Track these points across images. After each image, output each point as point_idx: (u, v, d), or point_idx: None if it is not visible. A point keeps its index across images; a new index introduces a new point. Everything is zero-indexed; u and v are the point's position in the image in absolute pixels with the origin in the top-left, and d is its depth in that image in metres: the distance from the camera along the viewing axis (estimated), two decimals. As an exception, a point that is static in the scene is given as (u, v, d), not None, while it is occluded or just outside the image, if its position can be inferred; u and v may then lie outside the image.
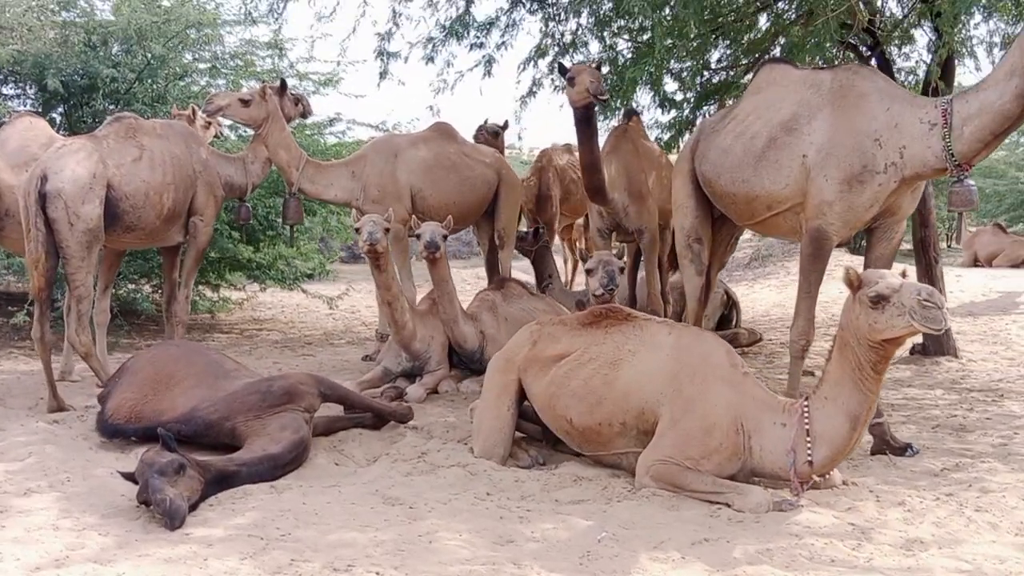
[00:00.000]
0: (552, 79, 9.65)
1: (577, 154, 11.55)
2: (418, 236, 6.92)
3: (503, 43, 8.88)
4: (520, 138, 10.59)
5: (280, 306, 14.56)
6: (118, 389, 5.81)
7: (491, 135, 10.66)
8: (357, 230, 6.69)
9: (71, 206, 6.52)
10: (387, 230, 6.70)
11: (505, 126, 10.68)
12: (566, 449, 5.47)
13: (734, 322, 9.53)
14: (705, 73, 10.11)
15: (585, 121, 6.67)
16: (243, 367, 6.13)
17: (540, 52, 8.80)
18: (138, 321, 11.22)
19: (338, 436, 5.85)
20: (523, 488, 4.85)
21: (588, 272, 5.97)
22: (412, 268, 9.08)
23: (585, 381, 5.00)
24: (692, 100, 10.15)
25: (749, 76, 9.82)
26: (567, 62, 7.24)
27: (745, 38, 9.68)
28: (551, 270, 10.23)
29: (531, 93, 10.23)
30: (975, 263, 19.15)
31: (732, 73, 10.26)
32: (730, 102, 10.38)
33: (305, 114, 9.01)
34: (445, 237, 6.97)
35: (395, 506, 4.54)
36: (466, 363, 7.67)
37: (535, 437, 5.64)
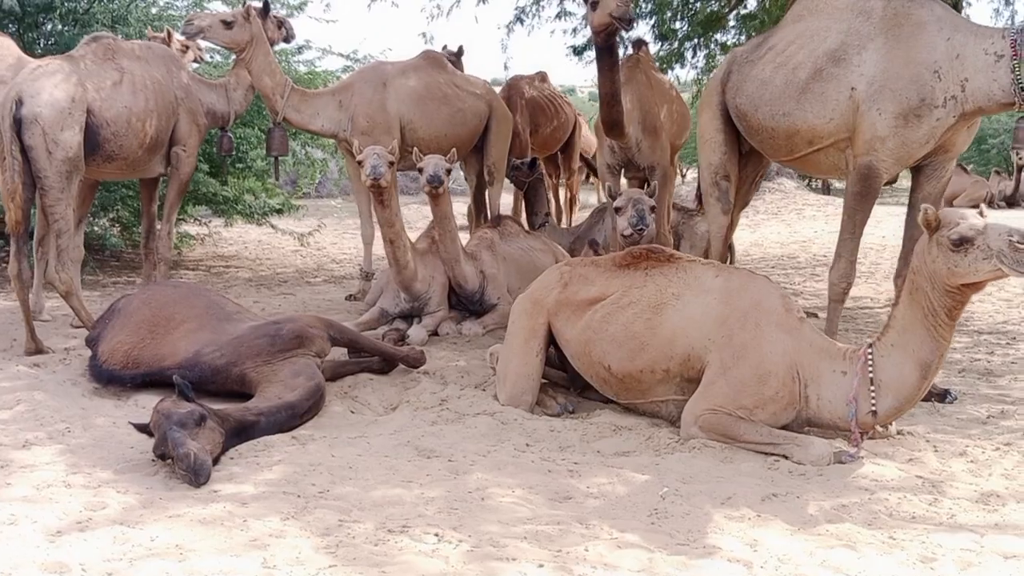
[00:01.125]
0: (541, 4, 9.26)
1: (542, 85, 11.29)
2: (420, 170, 6.54)
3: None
4: (506, 68, 10.20)
5: (242, 242, 14.02)
6: (110, 332, 5.40)
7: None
8: (360, 163, 6.28)
9: (49, 132, 6.01)
10: (392, 163, 6.30)
11: (460, 52, 10.05)
12: (594, 396, 5.22)
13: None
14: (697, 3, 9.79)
15: (607, 48, 6.29)
16: (245, 309, 5.76)
17: None
18: (102, 257, 10.67)
19: (347, 382, 5.52)
20: (560, 438, 4.59)
21: (617, 211, 5.65)
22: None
23: (625, 326, 4.72)
24: (682, 31, 9.83)
25: (753, 4, 9.52)
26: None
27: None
28: (544, 205, 9.91)
29: (518, 20, 9.84)
30: None
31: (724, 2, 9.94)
32: (721, 36, 10.08)
33: (288, 38, 8.50)
34: (449, 172, 6.59)
35: (431, 458, 4.25)
36: (465, 304, 7.35)
37: (559, 383, 5.38)
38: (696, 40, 10.11)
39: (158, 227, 7.43)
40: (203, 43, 8.09)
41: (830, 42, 5.60)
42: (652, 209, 5.53)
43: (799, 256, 12.24)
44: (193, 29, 7.39)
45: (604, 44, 6.24)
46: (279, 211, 12.18)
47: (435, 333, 7.00)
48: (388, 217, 6.47)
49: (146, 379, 5.17)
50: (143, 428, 4.27)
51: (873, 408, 4.14)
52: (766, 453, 4.25)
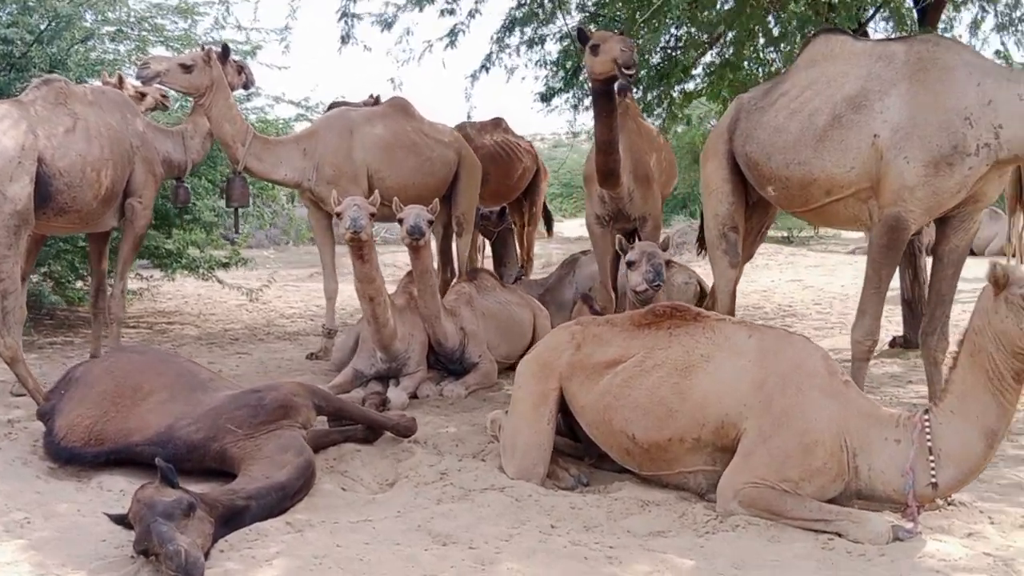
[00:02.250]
0: (510, 52, 8.94)
1: (496, 133, 10.95)
2: (400, 221, 6.13)
3: (475, 10, 8.10)
4: (469, 116, 9.78)
5: (180, 296, 13.36)
6: (68, 405, 4.84)
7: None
8: (338, 214, 5.84)
9: (-4, 184, 5.47)
10: (372, 215, 5.87)
11: (376, 101, 9.63)
12: (607, 465, 4.82)
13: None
14: (657, 53, 9.55)
15: (605, 95, 5.98)
16: (219, 376, 5.24)
17: (517, 20, 8.06)
18: (36, 315, 9.95)
19: (331, 454, 5.03)
20: (584, 516, 4.17)
21: (630, 265, 5.29)
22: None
23: (650, 391, 4.33)
24: (645, 80, 9.56)
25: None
26: (589, 26, 6.48)
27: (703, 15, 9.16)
28: (514, 256, 9.54)
29: (483, 68, 9.51)
30: None
31: (687, 53, 9.72)
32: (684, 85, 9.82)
33: (248, 84, 8.05)
34: (431, 223, 6.20)
35: (448, 545, 3.79)
36: (443, 362, 6.92)
37: (566, 452, 4.96)
38: (658, 90, 9.89)
39: (109, 285, 6.86)
40: (165, 88, 7.55)
41: (849, 87, 5.36)
42: (668, 263, 5.19)
43: (764, 307, 12.04)
44: (149, 73, 6.91)
45: (602, 91, 5.94)
46: (225, 265, 11.61)
47: (414, 395, 6.54)
48: (368, 273, 6.02)
49: (111, 457, 4.63)
50: (120, 519, 3.74)
51: (933, 480, 3.81)
52: (816, 531, 3.88)
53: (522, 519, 4.12)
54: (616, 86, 7.49)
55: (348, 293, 14.05)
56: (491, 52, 9.37)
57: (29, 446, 5.11)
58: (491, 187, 11.14)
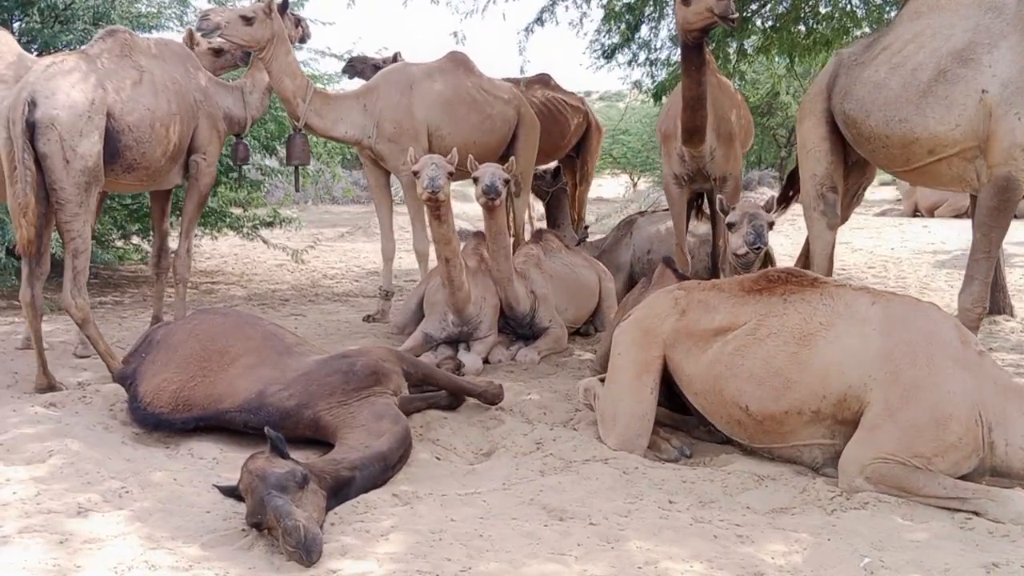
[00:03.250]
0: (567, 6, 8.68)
1: (542, 91, 10.65)
2: (475, 179, 5.92)
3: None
4: (522, 72, 9.51)
5: (219, 256, 13.21)
6: (150, 369, 4.68)
7: (374, 70, 9.30)
8: (415, 173, 5.63)
9: (67, 139, 5.26)
10: (451, 174, 5.66)
11: (394, 58, 9.35)
12: (709, 437, 4.65)
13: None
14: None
15: (697, 48, 5.70)
16: (304, 340, 5.06)
17: None
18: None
19: (418, 421, 4.86)
20: (699, 491, 3.99)
21: (730, 227, 5.07)
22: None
23: (766, 360, 4.14)
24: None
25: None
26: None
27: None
28: (568, 217, 9.32)
29: (539, 21, 9.26)
30: (915, 213, 19.01)
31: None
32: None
33: (304, 38, 7.80)
34: (507, 182, 5.98)
35: (566, 520, 3.62)
36: (513, 327, 6.74)
37: (665, 422, 4.77)
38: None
39: (172, 244, 6.69)
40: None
41: (955, 41, 5.07)
42: (771, 225, 4.96)
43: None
44: (209, 25, 6.67)
45: (695, 43, 5.65)
46: (269, 224, 11.43)
47: (486, 360, 6.37)
48: (445, 233, 5.83)
49: (200, 423, 4.48)
50: (230, 491, 3.58)
51: (1078, 457, 3.62)
52: (951, 509, 3.69)
53: (635, 493, 3.94)
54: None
55: (400, 255, 13.94)
56: (547, 5, 9.14)
57: (107, 410, 4.97)
58: (539, 145, 10.93)
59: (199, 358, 4.60)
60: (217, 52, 7.26)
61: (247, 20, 6.71)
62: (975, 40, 4.97)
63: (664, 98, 11.03)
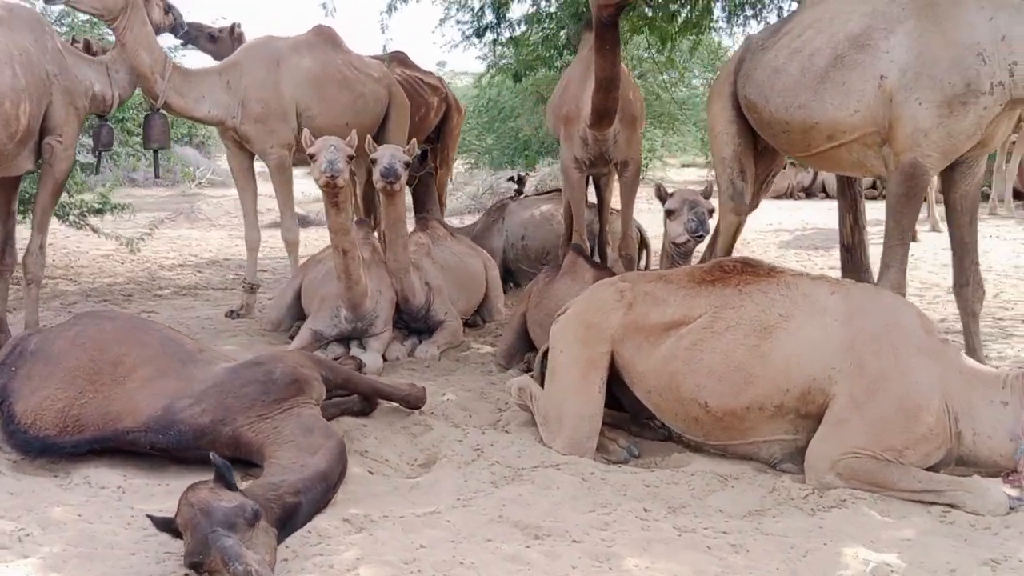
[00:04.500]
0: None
1: (399, 69, 10.23)
2: (373, 161, 5.49)
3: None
4: (385, 49, 9.04)
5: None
6: (26, 385, 4.01)
7: (209, 40, 8.72)
8: (311, 156, 5.14)
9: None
10: (351, 157, 5.21)
11: (232, 29, 8.77)
12: (649, 435, 4.45)
13: (646, 263, 8.75)
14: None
15: (613, 26, 5.43)
16: (205, 346, 4.50)
17: None
18: None
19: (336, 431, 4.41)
20: (665, 496, 3.77)
21: (669, 214, 4.85)
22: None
23: (725, 354, 3.95)
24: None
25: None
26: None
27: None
28: (436, 202, 8.94)
29: (401, -2, 8.84)
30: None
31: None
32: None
33: (176, 27, 7.09)
34: (407, 165, 5.58)
35: (545, 538, 3.31)
36: (406, 320, 6.33)
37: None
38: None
39: (22, 240, 5.89)
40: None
41: (852, 26, 5.03)
42: (711, 212, 4.77)
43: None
44: (56, -10, 5.89)
45: (610, 20, 5.39)
46: (99, 211, 10.44)
47: (383, 358, 5.95)
48: (343, 223, 5.37)
49: (94, 446, 3.88)
50: (165, 525, 3.05)
51: (1046, 444, 3.62)
52: (926, 502, 3.62)
53: (601, 502, 3.68)
54: (585, 21, 7.04)
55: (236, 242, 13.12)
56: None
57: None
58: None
59: (88, 370, 3.98)
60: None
61: (98, -15, 5.96)
62: (872, 25, 4.93)
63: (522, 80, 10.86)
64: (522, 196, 9.55)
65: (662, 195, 4.92)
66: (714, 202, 4.92)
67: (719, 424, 4.02)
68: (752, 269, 4.12)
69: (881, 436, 3.69)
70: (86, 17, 9.61)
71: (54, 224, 10.33)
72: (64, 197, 10.12)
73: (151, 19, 6.39)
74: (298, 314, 6.78)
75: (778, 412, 3.91)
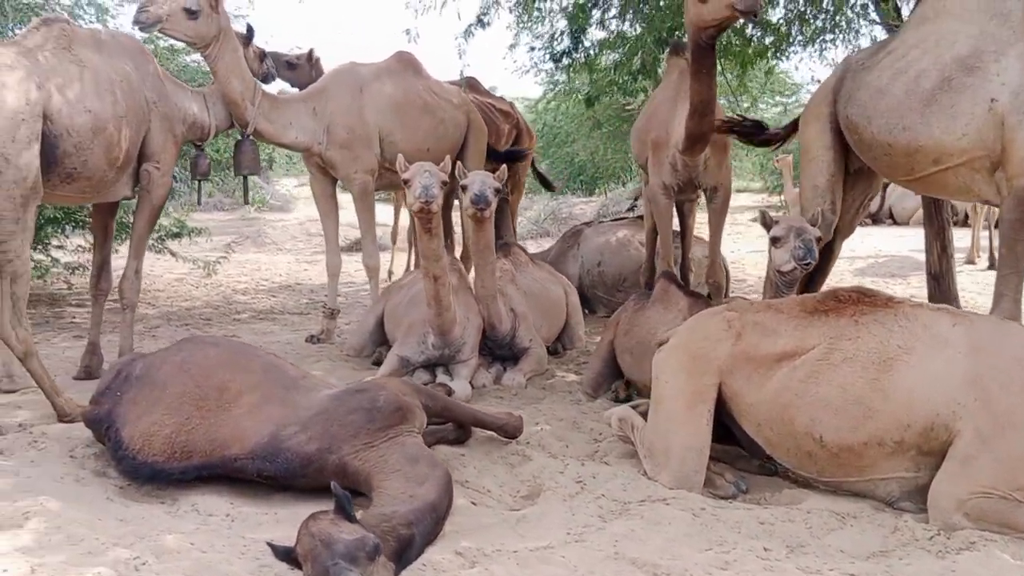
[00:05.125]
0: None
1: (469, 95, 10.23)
2: (463, 188, 5.46)
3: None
4: (462, 75, 9.05)
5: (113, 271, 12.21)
6: (132, 410, 4.02)
7: (287, 67, 8.76)
8: (406, 182, 5.12)
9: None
10: (444, 183, 5.18)
11: (309, 56, 8.87)
12: (756, 468, 4.32)
13: (726, 291, 8.60)
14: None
15: (710, 49, 5.35)
16: (307, 372, 4.48)
17: None
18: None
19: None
20: (782, 534, 3.63)
21: (774, 241, 4.75)
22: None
23: (843, 387, 3.83)
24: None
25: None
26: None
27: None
28: (511, 229, 8.90)
29: (480, 23, 8.85)
30: None
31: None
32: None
33: (268, 77, 7.19)
34: (497, 192, 5.54)
35: (666, 577, 3.21)
36: (491, 348, 6.27)
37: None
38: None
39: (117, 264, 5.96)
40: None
41: (959, 47, 4.92)
42: (819, 240, 4.66)
43: (745, 279, 11.73)
44: (149, 18, 5.96)
45: (708, 42, 5.31)
46: (177, 235, 10.57)
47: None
48: (435, 249, 5.33)
49: (202, 472, 3.86)
50: (285, 555, 3.02)
51: None
52: (1059, 545, 3.45)
53: (717, 540, 3.56)
54: (672, 44, 6.97)
55: (318, 269, 13.19)
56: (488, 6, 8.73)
57: (68, 457, 4.29)
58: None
59: (194, 396, 3.97)
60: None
61: (191, 13, 6.05)
62: (980, 48, 4.82)
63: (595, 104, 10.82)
64: (598, 221, 9.47)
65: (767, 222, 4.81)
66: (818, 231, 4.78)
67: (834, 460, 3.88)
68: (869, 299, 4.00)
69: (1012, 475, 3.54)
70: (166, 44, 9.83)
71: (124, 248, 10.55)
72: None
73: (248, 66, 6.47)
74: (380, 340, 6.77)
75: (898, 448, 3.77)
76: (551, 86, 18.96)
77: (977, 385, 3.66)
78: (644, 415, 4.50)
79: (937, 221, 7.88)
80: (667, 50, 7.51)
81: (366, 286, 11.33)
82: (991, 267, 12.05)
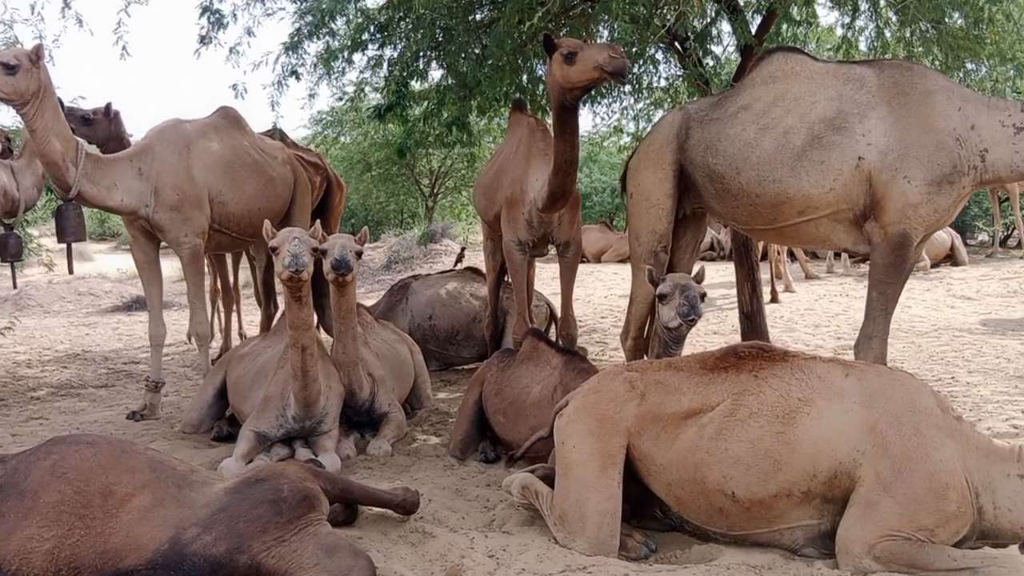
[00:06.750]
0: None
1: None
2: (323, 252, 5.25)
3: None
4: (275, 126, 8.73)
5: None
6: (1, 525, 3.53)
7: (83, 123, 8.15)
8: (274, 250, 4.86)
9: None
10: (315, 250, 4.96)
11: (107, 109, 8.35)
12: (654, 525, 4.37)
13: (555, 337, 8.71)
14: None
15: (573, 109, 5.41)
16: (190, 463, 4.10)
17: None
18: None
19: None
20: (714, 594, 3.69)
21: (660, 298, 4.81)
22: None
23: (751, 442, 3.94)
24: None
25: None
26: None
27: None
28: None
29: (293, 74, 8.59)
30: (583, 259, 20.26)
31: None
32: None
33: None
34: (359, 255, 5.37)
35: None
36: (349, 415, 6.03)
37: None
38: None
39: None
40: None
41: (822, 108, 5.35)
42: (703, 296, 4.77)
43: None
44: (-44, 74, 5.39)
45: (573, 103, 5.38)
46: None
47: (334, 457, 5.62)
48: (305, 318, 5.09)
49: (93, 590, 3.43)
50: None
51: (1066, 513, 3.76)
52: (961, 581, 3.69)
53: (654, 607, 3.56)
54: (514, 100, 7.03)
55: (101, 332, 12.25)
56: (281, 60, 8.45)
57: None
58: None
59: (74, 504, 3.54)
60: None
61: (9, 68, 5.52)
62: (843, 109, 5.24)
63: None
64: (425, 275, 9.37)
65: (653, 279, 4.91)
66: (703, 288, 4.92)
67: (746, 514, 3.98)
68: (767, 354, 4.14)
69: (914, 516, 3.74)
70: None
71: None
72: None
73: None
74: (219, 413, 6.40)
75: (805, 498, 3.92)
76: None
77: (874, 432, 3.86)
78: (543, 479, 4.46)
79: (747, 262, 8.38)
80: (509, 107, 7.57)
81: (177, 353, 10.73)
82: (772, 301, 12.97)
